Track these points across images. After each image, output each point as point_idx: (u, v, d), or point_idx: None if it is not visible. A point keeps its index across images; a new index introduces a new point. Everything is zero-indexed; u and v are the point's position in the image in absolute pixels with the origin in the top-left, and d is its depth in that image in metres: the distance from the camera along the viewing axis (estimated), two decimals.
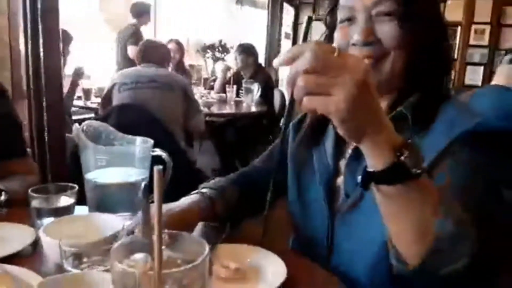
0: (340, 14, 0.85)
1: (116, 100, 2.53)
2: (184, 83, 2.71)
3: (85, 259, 0.71)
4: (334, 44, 0.86)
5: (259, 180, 0.98)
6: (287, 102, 0.64)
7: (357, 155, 0.83)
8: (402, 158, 0.57)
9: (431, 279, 0.63)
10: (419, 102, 0.82)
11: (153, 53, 2.72)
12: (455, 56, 5.34)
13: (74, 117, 3.21)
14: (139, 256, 0.55)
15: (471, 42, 5.33)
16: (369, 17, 0.80)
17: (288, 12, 6.16)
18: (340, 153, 0.91)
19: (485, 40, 5.23)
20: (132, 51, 3.98)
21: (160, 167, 0.50)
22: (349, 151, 0.89)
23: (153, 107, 2.38)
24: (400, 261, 0.65)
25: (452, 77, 0.90)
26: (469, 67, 5.35)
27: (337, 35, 0.86)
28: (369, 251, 0.80)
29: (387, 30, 0.80)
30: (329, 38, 0.91)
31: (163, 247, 0.50)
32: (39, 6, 1.78)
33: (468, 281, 0.63)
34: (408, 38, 0.80)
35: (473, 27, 5.30)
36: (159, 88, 2.52)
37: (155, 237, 0.50)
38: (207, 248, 0.54)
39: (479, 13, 5.27)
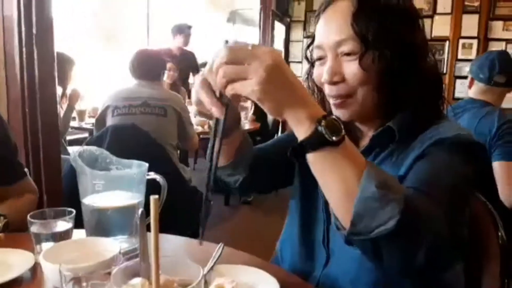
0: (314, 53, 0.88)
1: (109, 123, 2.50)
2: (178, 107, 2.61)
3: (84, 284, 0.74)
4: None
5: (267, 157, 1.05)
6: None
7: None
8: (319, 128, 0.64)
9: (367, 242, 0.64)
10: (405, 118, 0.83)
11: (147, 66, 2.62)
12: (444, 70, 5.45)
13: (68, 137, 3.22)
14: (137, 280, 0.58)
15: (459, 56, 5.44)
16: (335, 56, 0.83)
17: (280, 30, 6.25)
18: None
19: (473, 54, 5.34)
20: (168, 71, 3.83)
21: (156, 196, 0.54)
22: None
23: (147, 130, 2.35)
24: (339, 227, 0.68)
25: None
26: (458, 81, 5.45)
27: (314, 72, 0.90)
28: (354, 263, 0.83)
29: (350, 70, 0.82)
30: (310, 73, 0.93)
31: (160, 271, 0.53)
32: (34, 31, 1.80)
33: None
34: (372, 75, 0.81)
35: (461, 41, 5.42)
36: (152, 114, 2.48)
37: (152, 262, 0.53)
38: (202, 271, 0.57)
39: (466, 28, 5.39)
